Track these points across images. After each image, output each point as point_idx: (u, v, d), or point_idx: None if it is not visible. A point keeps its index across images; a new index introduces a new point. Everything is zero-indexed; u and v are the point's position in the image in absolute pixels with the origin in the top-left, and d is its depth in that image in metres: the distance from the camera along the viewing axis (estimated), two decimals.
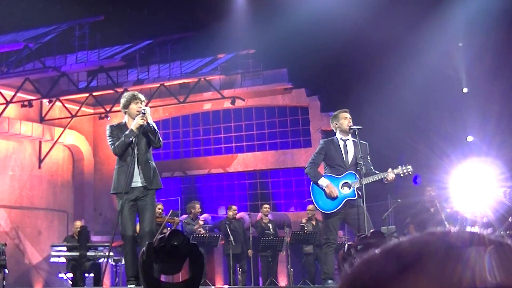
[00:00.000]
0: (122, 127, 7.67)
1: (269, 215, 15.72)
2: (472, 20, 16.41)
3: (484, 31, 16.02)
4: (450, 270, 0.63)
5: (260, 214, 15.75)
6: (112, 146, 7.57)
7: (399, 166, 8.14)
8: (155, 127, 7.59)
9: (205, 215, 18.17)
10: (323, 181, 8.09)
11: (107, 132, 7.71)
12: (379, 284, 0.65)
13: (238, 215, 15.78)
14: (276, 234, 15.11)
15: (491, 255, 0.65)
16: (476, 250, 0.65)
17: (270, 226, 15.18)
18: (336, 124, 8.31)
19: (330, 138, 8.44)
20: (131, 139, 7.43)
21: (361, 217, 7.86)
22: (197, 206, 14.67)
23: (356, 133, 8.14)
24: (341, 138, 8.26)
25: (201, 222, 14.41)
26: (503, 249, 0.67)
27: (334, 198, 8.01)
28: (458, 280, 0.62)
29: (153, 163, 7.64)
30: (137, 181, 7.46)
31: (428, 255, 0.65)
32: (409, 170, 8.13)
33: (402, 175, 8.12)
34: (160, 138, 7.65)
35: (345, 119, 8.25)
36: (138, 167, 7.49)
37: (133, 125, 7.48)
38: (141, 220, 7.56)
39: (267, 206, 15.73)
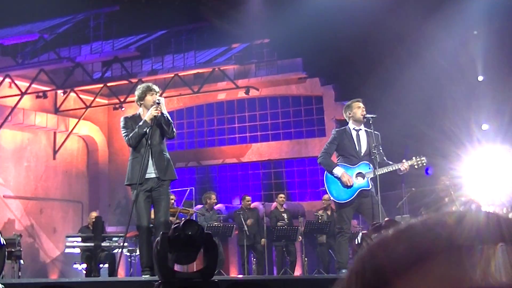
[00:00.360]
0: (136, 118, 7.67)
1: (283, 205, 15.71)
2: (488, 8, 16.29)
3: (501, 19, 15.91)
4: (461, 264, 0.62)
5: (274, 203, 15.74)
6: (126, 138, 7.57)
7: (414, 157, 8.11)
8: (169, 118, 7.59)
9: (219, 205, 18.19)
10: (338, 170, 8.06)
11: (121, 124, 7.72)
12: (392, 267, 0.64)
13: (252, 205, 15.77)
14: (291, 223, 15.09)
15: (501, 252, 0.63)
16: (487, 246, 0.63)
17: (285, 216, 15.16)
18: (350, 114, 8.27)
19: (343, 128, 8.40)
20: (145, 129, 7.44)
21: (375, 207, 7.84)
22: (213, 196, 14.66)
23: (371, 122, 8.11)
24: (353, 128, 8.23)
25: (216, 220, 14.41)
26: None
27: (350, 187, 7.98)
28: (468, 278, 0.61)
29: (167, 154, 7.64)
30: (151, 172, 7.47)
31: (442, 243, 0.64)
32: (423, 161, 8.10)
33: (416, 166, 8.10)
34: (174, 129, 7.64)
35: (358, 108, 8.22)
36: (152, 158, 7.49)
37: (147, 115, 7.48)
38: (156, 210, 7.57)
39: (282, 195, 15.71)
